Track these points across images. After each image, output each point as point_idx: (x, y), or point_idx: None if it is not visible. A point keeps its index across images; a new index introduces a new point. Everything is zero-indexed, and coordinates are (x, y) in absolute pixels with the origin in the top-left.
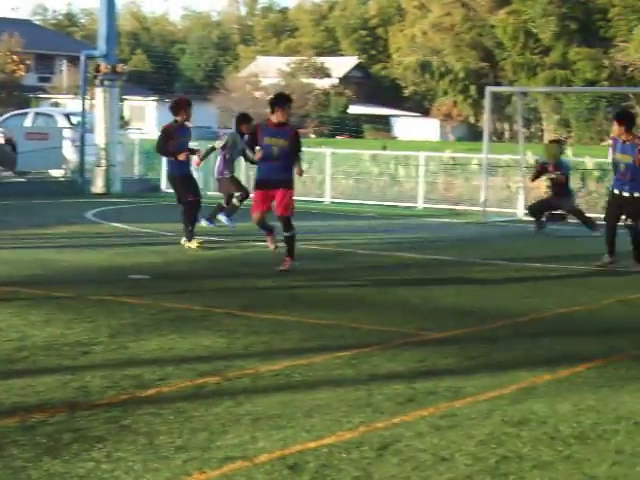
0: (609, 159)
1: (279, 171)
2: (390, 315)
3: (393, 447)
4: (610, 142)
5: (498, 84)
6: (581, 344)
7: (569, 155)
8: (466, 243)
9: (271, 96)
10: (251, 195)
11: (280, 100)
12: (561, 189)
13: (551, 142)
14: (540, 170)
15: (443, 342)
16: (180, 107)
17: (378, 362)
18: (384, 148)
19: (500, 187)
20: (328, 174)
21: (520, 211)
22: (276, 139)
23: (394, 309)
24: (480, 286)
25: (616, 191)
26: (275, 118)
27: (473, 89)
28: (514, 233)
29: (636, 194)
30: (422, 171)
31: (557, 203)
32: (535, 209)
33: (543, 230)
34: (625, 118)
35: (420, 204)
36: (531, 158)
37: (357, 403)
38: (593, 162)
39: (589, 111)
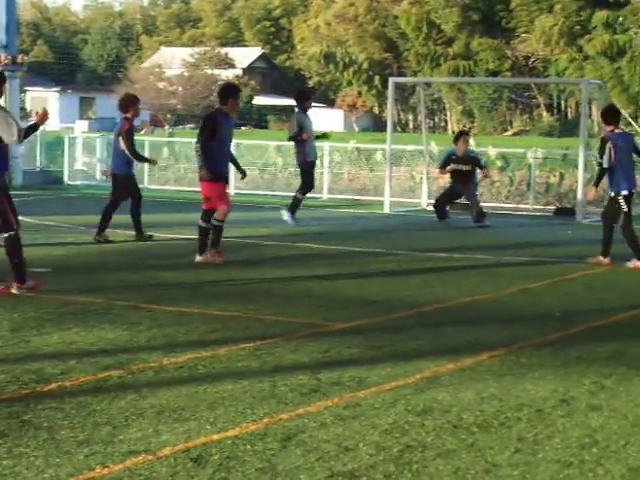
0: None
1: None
2: (295, 306)
3: (297, 438)
4: None
5: (402, 75)
6: (484, 333)
7: (472, 145)
8: (370, 234)
9: (224, 85)
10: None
11: (235, 90)
12: (467, 179)
13: (459, 134)
14: (448, 160)
15: (348, 332)
16: (130, 104)
17: (282, 353)
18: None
19: (404, 177)
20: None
21: (424, 201)
22: (230, 130)
23: (299, 300)
24: (385, 276)
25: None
26: (229, 108)
27: (377, 80)
28: (418, 223)
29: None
30: (326, 162)
31: (460, 191)
32: (440, 199)
33: (446, 220)
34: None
35: (325, 195)
36: (435, 148)
37: (261, 395)
38: (496, 152)
39: (492, 101)
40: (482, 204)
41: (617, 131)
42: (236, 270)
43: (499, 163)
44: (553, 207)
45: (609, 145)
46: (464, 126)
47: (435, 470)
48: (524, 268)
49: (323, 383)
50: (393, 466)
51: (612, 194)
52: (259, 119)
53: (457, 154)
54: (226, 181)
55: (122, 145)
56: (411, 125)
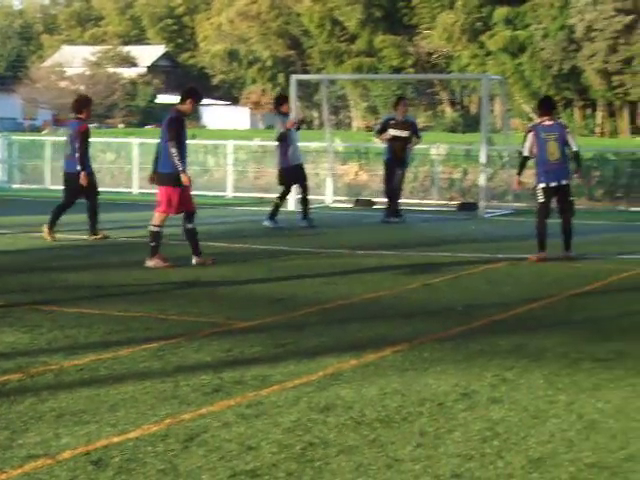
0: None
1: None
2: (198, 305)
3: (199, 438)
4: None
5: (306, 72)
6: (387, 329)
7: (375, 141)
8: (275, 231)
9: (188, 87)
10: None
11: (197, 93)
12: (404, 146)
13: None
14: (387, 125)
15: (251, 331)
16: (83, 105)
17: (185, 353)
18: (193, 137)
19: (309, 175)
20: (136, 164)
21: (329, 198)
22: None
23: (202, 299)
24: (289, 273)
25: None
26: (187, 109)
27: (281, 77)
28: (323, 220)
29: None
30: (231, 160)
31: (397, 167)
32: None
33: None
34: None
35: (229, 193)
36: (339, 145)
37: (163, 395)
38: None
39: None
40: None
41: (547, 123)
42: (139, 271)
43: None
44: (456, 202)
45: (530, 135)
46: (368, 122)
47: (337, 467)
48: (427, 263)
49: (226, 382)
50: (295, 464)
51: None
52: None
53: (396, 118)
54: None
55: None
56: (316, 122)
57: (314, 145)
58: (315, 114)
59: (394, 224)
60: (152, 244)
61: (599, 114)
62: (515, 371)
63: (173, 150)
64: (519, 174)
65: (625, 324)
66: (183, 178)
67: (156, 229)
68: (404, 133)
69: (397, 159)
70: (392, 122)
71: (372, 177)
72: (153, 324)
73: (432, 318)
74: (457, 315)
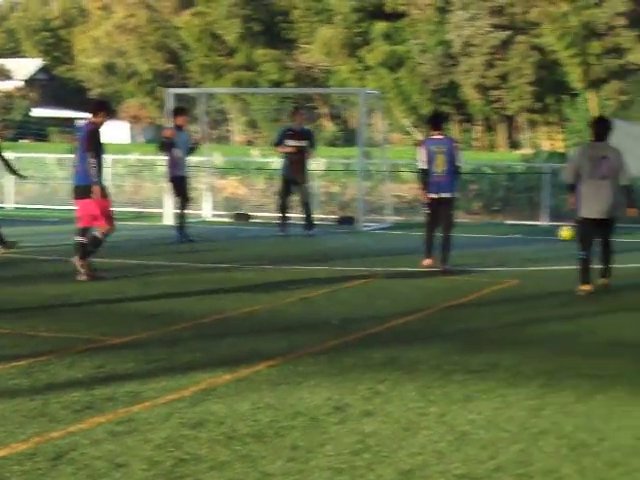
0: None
1: None
2: (71, 321)
3: (68, 456)
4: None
5: (185, 86)
6: (262, 343)
7: (255, 155)
8: (151, 246)
9: (99, 100)
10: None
11: (108, 106)
12: (301, 158)
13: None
14: (284, 136)
15: (124, 347)
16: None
17: (56, 370)
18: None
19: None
20: (11, 178)
21: (206, 212)
22: None
23: (75, 315)
24: (165, 289)
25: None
26: (102, 122)
27: (160, 91)
28: (200, 234)
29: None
30: (109, 174)
31: (293, 179)
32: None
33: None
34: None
35: None
36: (218, 159)
37: (32, 413)
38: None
39: (276, 112)
40: (268, 214)
41: (436, 137)
42: (11, 286)
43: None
44: (336, 216)
45: (421, 149)
46: (248, 136)
47: None
48: (304, 277)
49: (97, 399)
50: None
51: None
52: (39, 131)
53: (294, 129)
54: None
55: None
56: (197, 136)
57: (193, 159)
58: (194, 128)
59: (281, 236)
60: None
61: (477, 128)
62: (388, 384)
63: (92, 160)
64: (424, 188)
65: (497, 336)
66: (95, 189)
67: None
68: (302, 143)
69: (294, 171)
70: (290, 133)
71: (251, 191)
72: (23, 341)
73: (308, 332)
74: (333, 329)
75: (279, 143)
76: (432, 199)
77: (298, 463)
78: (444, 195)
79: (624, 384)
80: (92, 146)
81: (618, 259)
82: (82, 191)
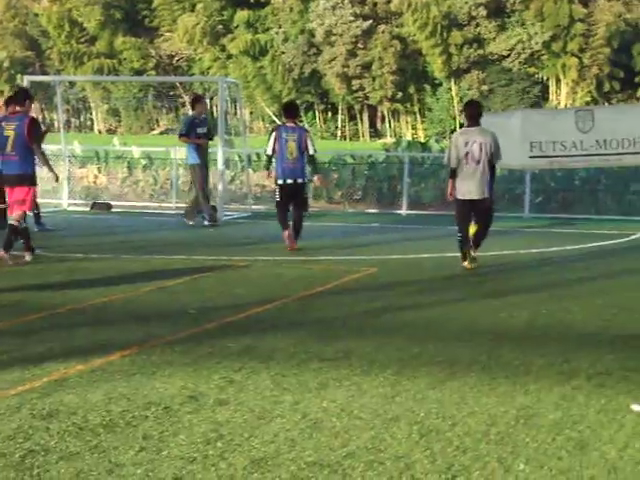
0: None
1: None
2: None
3: None
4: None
5: (45, 73)
6: (118, 333)
7: (116, 144)
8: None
9: (23, 89)
10: None
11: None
12: (206, 151)
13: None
14: (193, 125)
15: None
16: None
17: None
18: None
19: (47, 179)
20: None
21: (65, 201)
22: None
23: None
24: (18, 279)
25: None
26: (29, 110)
27: (19, 78)
28: (58, 224)
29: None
30: None
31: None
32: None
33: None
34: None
35: None
36: (78, 147)
37: None
38: (140, 151)
39: (138, 100)
40: (127, 203)
41: (289, 125)
42: None
43: (143, 162)
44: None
45: (273, 135)
46: (110, 124)
47: (57, 473)
48: (162, 266)
49: None
50: (14, 472)
51: None
52: None
53: (198, 117)
54: None
55: None
56: (56, 124)
57: (52, 147)
58: (55, 116)
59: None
60: (20, 239)
61: (340, 117)
62: (243, 372)
63: (42, 151)
64: (267, 169)
65: (354, 324)
66: (54, 177)
67: (23, 224)
68: (205, 130)
69: (203, 159)
70: (197, 121)
71: (111, 180)
72: None
73: (164, 321)
74: (190, 318)
75: (187, 133)
76: (282, 185)
77: (149, 453)
78: (298, 180)
79: (477, 371)
80: (40, 137)
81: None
82: (18, 179)
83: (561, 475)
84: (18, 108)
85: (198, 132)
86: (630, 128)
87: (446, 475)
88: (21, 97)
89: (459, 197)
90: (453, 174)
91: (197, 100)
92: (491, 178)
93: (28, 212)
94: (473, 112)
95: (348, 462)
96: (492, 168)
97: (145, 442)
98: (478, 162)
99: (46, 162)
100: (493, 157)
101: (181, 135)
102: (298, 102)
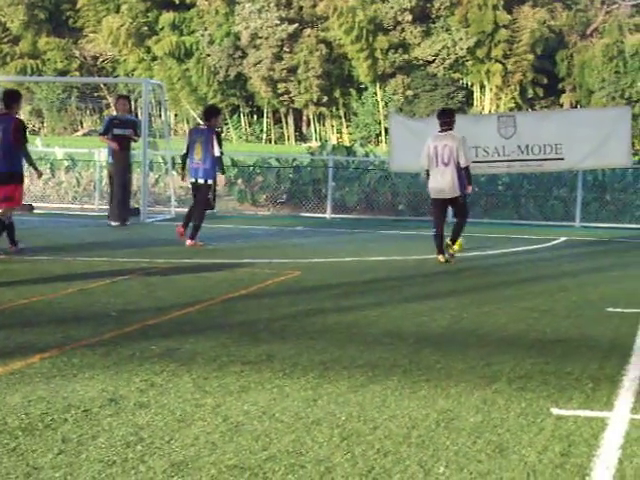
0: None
1: None
2: None
3: None
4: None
5: None
6: (38, 335)
7: (38, 145)
8: None
9: (12, 91)
10: None
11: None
12: (126, 146)
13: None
14: (111, 125)
15: None
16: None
17: None
18: None
19: None
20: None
21: None
22: None
23: None
24: None
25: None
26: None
27: None
28: None
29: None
30: None
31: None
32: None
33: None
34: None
35: None
36: None
37: None
38: (63, 152)
39: (61, 101)
40: (50, 205)
41: (201, 127)
42: None
43: (66, 163)
44: None
45: (186, 137)
46: (33, 125)
47: None
48: (84, 268)
49: None
50: None
51: None
52: None
53: (119, 117)
54: None
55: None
56: None
57: None
58: None
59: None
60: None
61: (265, 121)
62: (164, 375)
63: (28, 152)
64: (182, 169)
65: (276, 327)
66: (39, 174)
67: (9, 220)
68: (127, 132)
69: (119, 160)
70: (116, 121)
71: (34, 181)
72: None
73: (85, 324)
74: (111, 320)
75: (105, 132)
76: (191, 183)
77: (68, 456)
78: (200, 180)
79: (398, 374)
80: (25, 139)
81: (400, 251)
82: (7, 177)
83: (481, 478)
84: (9, 110)
85: (115, 132)
86: (552, 134)
87: (367, 478)
88: (10, 100)
89: (432, 196)
90: (428, 174)
91: (118, 100)
92: (464, 178)
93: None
94: (446, 119)
95: (269, 465)
96: (463, 169)
97: (64, 445)
98: (447, 164)
99: (31, 161)
100: (460, 159)
101: (100, 134)
102: (223, 105)
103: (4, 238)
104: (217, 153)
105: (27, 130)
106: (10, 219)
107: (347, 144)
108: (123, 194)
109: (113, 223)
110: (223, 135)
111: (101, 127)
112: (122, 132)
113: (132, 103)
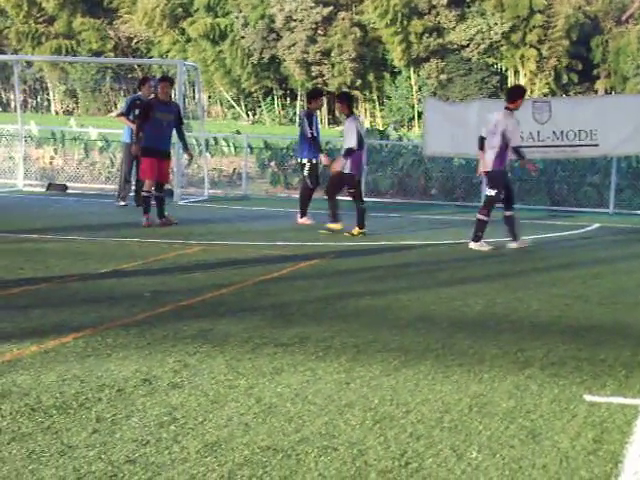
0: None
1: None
2: None
3: None
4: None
5: (3, 53)
6: (72, 314)
7: (72, 125)
8: None
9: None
10: None
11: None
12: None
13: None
14: (133, 105)
15: None
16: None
17: None
18: None
19: (3, 158)
20: None
21: (20, 182)
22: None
23: None
24: None
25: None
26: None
27: None
28: (14, 204)
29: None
30: None
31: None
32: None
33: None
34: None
35: None
36: (35, 128)
37: None
38: (97, 133)
39: (95, 82)
40: (84, 185)
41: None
42: None
43: (100, 144)
44: None
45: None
46: (67, 105)
47: (8, 454)
48: (117, 248)
49: None
50: None
51: None
52: None
53: (142, 99)
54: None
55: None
56: (13, 105)
57: (10, 127)
58: (12, 96)
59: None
60: None
61: (299, 104)
62: (198, 356)
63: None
64: None
65: (309, 310)
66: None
67: None
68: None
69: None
70: (138, 102)
71: (68, 161)
72: None
73: (119, 304)
74: (144, 301)
75: (126, 113)
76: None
77: (102, 435)
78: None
79: (431, 358)
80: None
81: (433, 236)
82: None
83: (513, 463)
84: None
85: (137, 114)
86: (586, 120)
87: (399, 462)
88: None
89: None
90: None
91: (143, 82)
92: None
93: None
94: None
95: (302, 447)
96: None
97: (98, 424)
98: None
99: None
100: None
101: (120, 114)
102: (256, 87)
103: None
104: (308, 134)
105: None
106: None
107: (380, 128)
108: (125, 174)
109: (122, 202)
110: (256, 117)
111: (122, 106)
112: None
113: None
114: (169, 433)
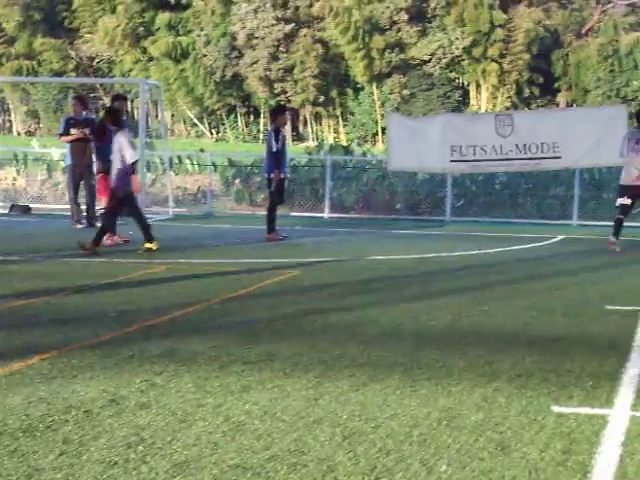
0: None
1: None
2: None
3: None
4: None
5: None
6: (37, 336)
7: (34, 146)
8: None
9: None
10: None
11: None
12: (86, 147)
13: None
14: (68, 126)
15: None
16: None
17: None
18: None
19: None
20: None
21: None
22: None
23: None
24: None
25: None
26: None
27: None
28: None
29: None
30: None
31: (81, 172)
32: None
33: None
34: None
35: None
36: None
37: None
38: (60, 153)
39: (57, 102)
40: (48, 206)
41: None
42: None
43: (62, 164)
44: None
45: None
46: (29, 126)
47: None
48: (82, 268)
49: None
50: None
51: None
52: None
53: (75, 117)
54: None
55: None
56: None
57: None
58: None
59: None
60: None
61: (262, 121)
62: (165, 376)
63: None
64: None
65: (277, 327)
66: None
67: None
68: (85, 130)
69: (80, 161)
70: (72, 121)
71: (30, 182)
72: None
73: (85, 324)
74: (111, 321)
75: (65, 133)
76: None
77: (70, 457)
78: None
79: (399, 373)
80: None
81: (398, 250)
82: None
83: (483, 476)
84: None
85: (71, 133)
86: (549, 133)
87: (369, 477)
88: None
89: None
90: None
91: (74, 101)
92: None
93: None
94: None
95: (271, 465)
96: None
97: (65, 446)
98: None
99: None
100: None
101: (60, 135)
102: (219, 105)
103: None
104: (274, 149)
105: None
106: None
107: (344, 143)
108: (93, 195)
109: (79, 226)
110: (219, 135)
111: (60, 128)
112: (78, 132)
113: (128, 103)
114: (137, 454)
